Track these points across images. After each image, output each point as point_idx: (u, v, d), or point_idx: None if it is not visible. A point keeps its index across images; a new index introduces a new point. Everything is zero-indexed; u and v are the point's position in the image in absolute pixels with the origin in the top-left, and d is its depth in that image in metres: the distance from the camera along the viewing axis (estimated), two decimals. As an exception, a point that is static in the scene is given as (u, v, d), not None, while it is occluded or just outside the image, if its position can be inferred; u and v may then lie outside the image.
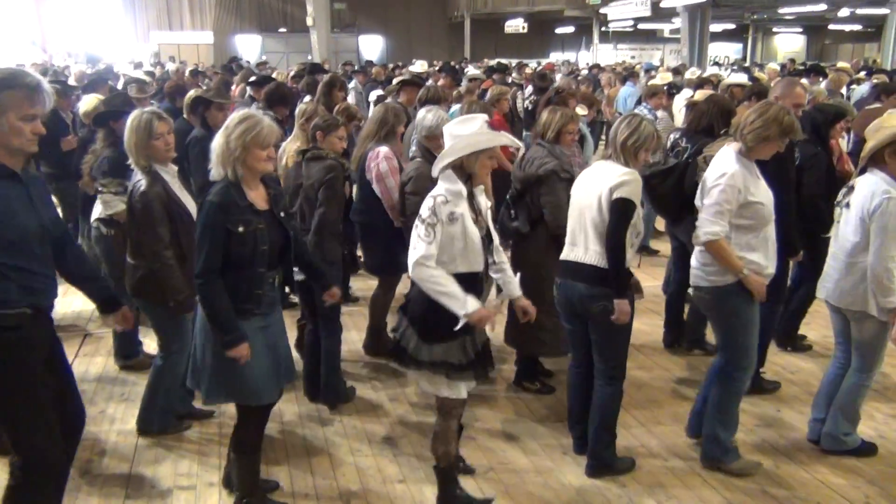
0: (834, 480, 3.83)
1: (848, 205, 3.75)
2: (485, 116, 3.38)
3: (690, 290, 3.93)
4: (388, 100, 7.15)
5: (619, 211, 3.48)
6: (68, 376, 3.13)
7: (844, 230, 3.76)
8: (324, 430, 4.35)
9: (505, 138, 3.40)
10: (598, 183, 3.57)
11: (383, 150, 4.89)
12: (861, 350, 3.87)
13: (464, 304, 3.14)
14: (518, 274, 3.59)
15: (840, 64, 13.92)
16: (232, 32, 32.81)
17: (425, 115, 4.70)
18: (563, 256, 3.77)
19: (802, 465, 3.98)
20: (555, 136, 4.48)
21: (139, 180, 3.86)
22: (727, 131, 4.59)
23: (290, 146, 5.23)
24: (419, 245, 3.14)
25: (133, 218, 3.91)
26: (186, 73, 14.59)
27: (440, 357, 3.24)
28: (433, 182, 3.36)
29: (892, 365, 5.18)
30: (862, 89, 10.22)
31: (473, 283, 3.27)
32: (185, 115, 6.19)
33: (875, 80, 9.78)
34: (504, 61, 19.63)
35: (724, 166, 3.58)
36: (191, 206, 4.00)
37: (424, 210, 3.17)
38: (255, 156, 3.12)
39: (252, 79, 9.33)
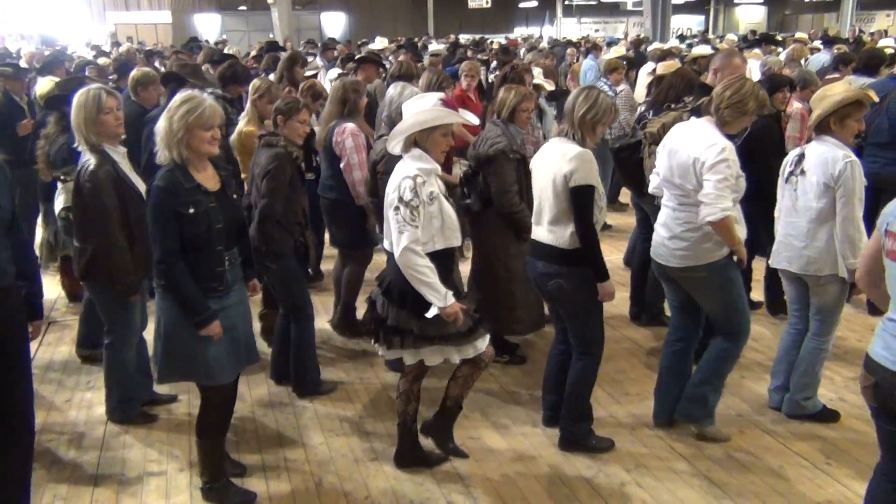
0: (796, 444, 3.93)
1: (803, 172, 3.80)
2: (440, 94, 3.40)
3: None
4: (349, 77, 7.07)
5: (580, 199, 3.49)
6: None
7: (804, 199, 3.81)
8: (294, 412, 4.34)
9: (458, 116, 3.39)
10: (551, 164, 3.58)
11: (350, 126, 4.85)
12: (821, 315, 3.96)
13: (444, 298, 3.22)
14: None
15: (798, 34, 14.08)
16: (190, 11, 32.17)
17: (401, 92, 4.61)
18: (532, 234, 3.81)
19: (766, 430, 4.07)
20: (509, 115, 4.48)
21: (87, 160, 3.78)
22: (671, 105, 4.62)
23: (242, 126, 5.15)
24: (407, 229, 3.14)
25: (81, 199, 3.82)
26: (136, 54, 14.03)
27: (440, 331, 3.30)
28: None
29: (849, 329, 5.30)
30: (820, 58, 10.32)
31: (449, 258, 3.35)
32: (132, 97, 5.94)
33: (836, 50, 9.88)
34: (467, 36, 19.47)
35: (716, 140, 3.53)
36: (141, 187, 3.91)
37: (405, 192, 3.15)
38: (199, 137, 3.11)
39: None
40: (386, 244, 3.40)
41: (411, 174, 3.19)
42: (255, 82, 5.20)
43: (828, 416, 4.14)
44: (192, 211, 3.10)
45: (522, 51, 14.44)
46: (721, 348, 3.88)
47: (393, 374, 4.64)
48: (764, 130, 4.78)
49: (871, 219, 5.19)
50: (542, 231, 3.70)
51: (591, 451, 3.86)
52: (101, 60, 11.08)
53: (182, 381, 3.40)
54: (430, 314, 3.22)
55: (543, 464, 3.81)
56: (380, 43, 14.28)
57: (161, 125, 3.12)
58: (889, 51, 7.64)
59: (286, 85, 6.52)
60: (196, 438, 3.48)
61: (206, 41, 21.44)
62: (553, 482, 3.66)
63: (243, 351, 3.42)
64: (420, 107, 3.26)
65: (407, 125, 3.24)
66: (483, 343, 3.44)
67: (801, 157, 3.83)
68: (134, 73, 6.13)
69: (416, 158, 3.25)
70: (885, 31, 21.92)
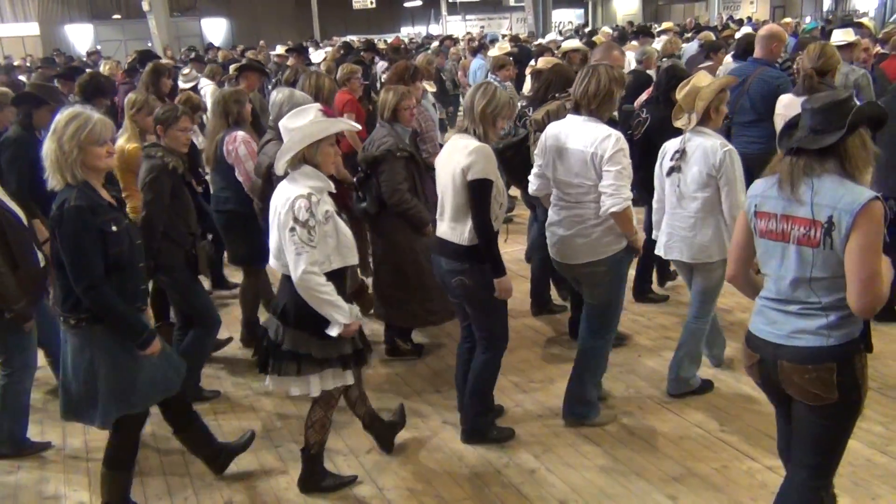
0: (692, 416, 4.13)
1: (680, 168, 3.97)
2: (318, 106, 3.36)
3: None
4: (226, 86, 6.89)
5: (477, 193, 3.50)
6: None
7: (687, 191, 3.97)
8: (199, 432, 4.21)
9: (342, 124, 3.38)
10: (452, 160, 3.59)
11: (240, 133, 4.76)
12: (704, 296, 4.16)
13: (348, 314, 3.20)
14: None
15: (664, 25, 14.70)
16: (60, 22, 30.60)
17: (290, 96, 4.47)
18: (437, 231, 3.82)
19: (663, 405, 4.25)
20: (391, 115, 4.52)
21: None
22: (556, 95, 4.74)
23: (123, 144, 4.92)
24: (304, 250, 3.07)
25: None
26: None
27: (339, 351, 3.27)
28: None
29: (734, 301, 5.59)
30: (691, 47, 10.81)
31: (344, 276, 3.32)
32: None
33: (700, 39, 10.36)
34: (355, 38, 19.29)
35: (608, 132, 3.59)
36: (17, 210, 3.76)
37: (300, 212, 3.07)
38: (94, 154, 2.97)
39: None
40: (274, 262, 3.30)
41: (304, 193, 3.10)
42: (132, 96, 4.98)
43: (707, 387, 4.36)
44: (114, 228, 2.98)
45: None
46: (592, 346, 3.98)
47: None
48: (664, 122, 4.98)
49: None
50: (445, 227, 3.71)
51: (493, 442, 3.92)
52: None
53: (121, 415, 3.18)
54: (332, 332, 3.18)
55: (455, 459, 3.84)
56: (281, 49, 13.81)
57: (49, 148, 2.95)
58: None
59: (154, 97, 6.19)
60: (105, 470, 3.30)
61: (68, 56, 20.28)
62: (466, 476, 3.70)
63: (172, 370, 3.34)
64: (302, 120, 3.18)
65: (295, 141, 3.15)
66: (350, 377, 3.41)
67: (682, 152, 3.97)
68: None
69: (307, 176, 3.17)
70: (750, 18, 23.18)
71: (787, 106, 5.02)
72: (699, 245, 4.01)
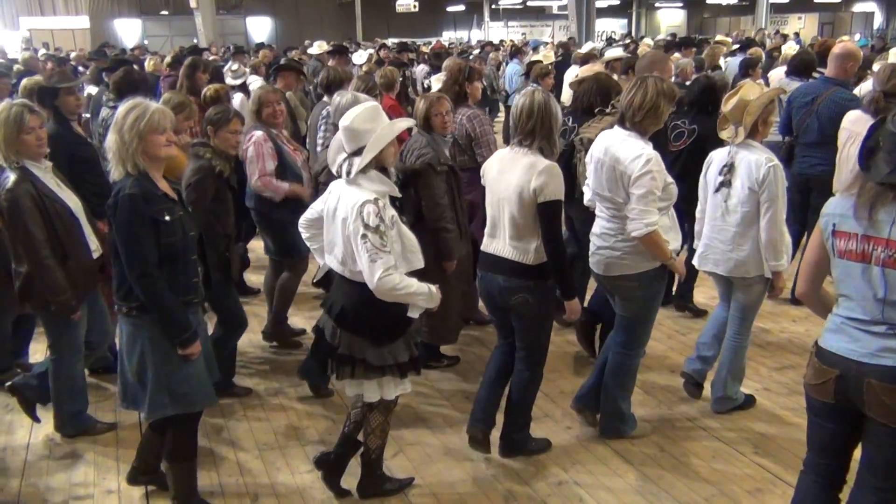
0: (725, 434, 4.04)
1: (729, 182, 3.88)
2: (377, 104, 3.29)
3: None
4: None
5: (550, 215, 3.40)
6: None
7: (731, 204, 3.89)
8: (227, 426, 4.24)
9: (405, 121, 3.34)
10: (516, 176, 3.44)
11: (257, 133, 4.74)
12: (743, 313, 4.06)
13: (431, 294, 3.16)
14: None
15: (718, 37, 14.48)
16: (110, 16, 31.28)
17: (353, 101, 4.23)
18: (483, 247, 3.70)
19: (697, 424, 4.17)
20: (424, 124, 4.44)
21: (5, 178, 3.64)
22: (602, 110, 4.65)
23: None
24: (380, 256, 2.98)
25: (2, 219, 3.67)
26: (42, 61, 12.79)
27: (395, 358, 3.21)
28: None
29: (772, 321, 5.49)
30: (734, 62, 10.65)
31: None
32: None
33: (750, 54, 10.19)
34: (395, 41, 19.37)
35: (640, 150, 3.50)
36: (71, 201, 3.82)
37: (370, 218, 2.98)
38: (154, 142, 2.98)
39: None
40: (338, 267, 3.24)
41: (371, 198, 3.03)
42: (166, 96, 4.97)
43: (750, 402, 4.30)
44: (167, 218, 2.98)
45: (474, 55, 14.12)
46: (619, 362, 3.90)
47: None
48: (712, 131, 4.89)
49: (802, 217, 5.42)
50: (501, 245, 3.58)
51: (531, 455, 3.87)
52: (17, 67, 10.64)
53: (174, 412, 3.15)
54: (413, 314, 3.17)
55: (481, 466, 3.81)
56: (318, 47, 13.81)
57: (112, 140, 2.97)
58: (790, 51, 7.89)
59: (186, 93, 6.15)
60: (167, 465, 3.32)
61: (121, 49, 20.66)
62: (491, 484, 3.67)
63: (212, 369, 3.33)
64: (381, 120, 3.12)
65: (383, 138, 3.07)
66: (409, 384, 3.37)
67: (730, 166, 3.88)
68: (25, 81, 5.73)
69: (372, 180, 3.09)
70: (797, 34, 22.79)
71: (855, 122, 4.86)
72: (736, 260, 3.94)
